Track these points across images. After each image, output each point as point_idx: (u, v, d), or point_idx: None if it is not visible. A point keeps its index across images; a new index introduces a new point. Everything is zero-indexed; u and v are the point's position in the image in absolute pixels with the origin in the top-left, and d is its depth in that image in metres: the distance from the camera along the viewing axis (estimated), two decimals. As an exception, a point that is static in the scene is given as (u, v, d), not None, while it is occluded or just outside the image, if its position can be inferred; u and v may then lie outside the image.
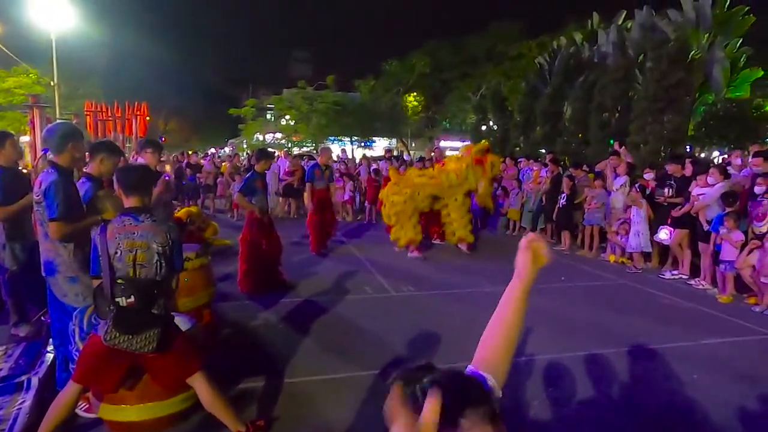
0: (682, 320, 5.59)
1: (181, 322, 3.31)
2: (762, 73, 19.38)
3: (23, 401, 3.15)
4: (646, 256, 7.96)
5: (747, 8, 19.43)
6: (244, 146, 30.85)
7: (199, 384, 2.88)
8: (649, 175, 8.20)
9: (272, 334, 4.97)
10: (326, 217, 8.78)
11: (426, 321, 5.28)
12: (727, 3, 19.63)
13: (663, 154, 13.66)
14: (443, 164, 8.98)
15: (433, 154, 13.54)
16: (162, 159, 7.49)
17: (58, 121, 3.88)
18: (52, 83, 22.93)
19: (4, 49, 21.89)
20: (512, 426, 1.09)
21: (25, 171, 6.08)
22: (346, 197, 12.45)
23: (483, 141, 9.00)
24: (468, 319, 5.25)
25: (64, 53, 23.56)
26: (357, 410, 3.51)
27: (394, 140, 35.25)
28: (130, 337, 2.62)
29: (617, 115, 16.19)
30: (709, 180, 6.91)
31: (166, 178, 5.46)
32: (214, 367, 3.61)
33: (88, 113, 9.77)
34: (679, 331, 5.22)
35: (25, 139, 10.29)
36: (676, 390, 3.87)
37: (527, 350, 4.48)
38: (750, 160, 7.04)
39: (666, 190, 7.42)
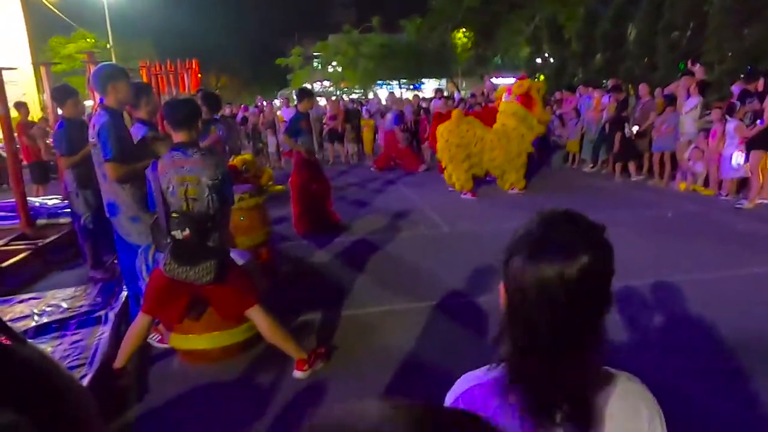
0: (761, 245, 5.17)
1: (238, 258, 3.38)
2: None
3: (102, 333, 3.37)
4: (722, 183, 7.35)
5: None
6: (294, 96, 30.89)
7: (257, 316, 2.95)
8: (737, 89, 7.36)
9: (329, 270, 5.06)
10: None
11: (480, 256, 5.14)
12: None
13: (743, 74, 12.41)
14: (495, 107, 8.55)
15: (485, 90, 12.99)
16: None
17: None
18: (108, 46, 23.66)
19: (62, 15, 22.66)
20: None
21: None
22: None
23: (518, 82, 8.42)
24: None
25: (116, 17, 24.15)
26: (414, 339, 3.53)
27: (443, 80, 34.09)
28: (188, 268, 2.69)
29: (689, 33, 14.74)
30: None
31: (219, 133, 5.49)
32: (274, 301, 3.72)
33: (142, 68, 10.00)
34: (756, 256, 4.83)
35: (89, 103, 10.70)
36: (751, 317, 3.60)
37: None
38: None
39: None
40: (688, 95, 7.73)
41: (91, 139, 3.30)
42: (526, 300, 0.86)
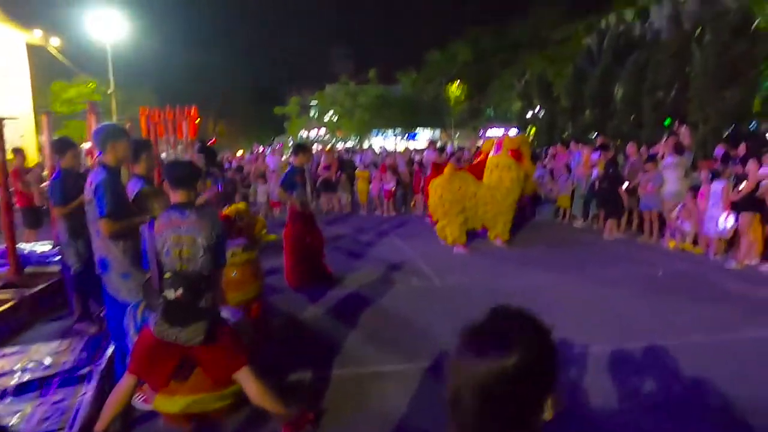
0: (753, 308, 5.20)
1: (229, 316, 3.35)
2: (836, 40, 17.75)
3: (85, 392, 3.28)
4: (710, 241, 7.46)
5: (818, -30, 17.84)
6: (290, 144, 31.42)
7: (245, 379, 2.89)
8: (719, 151, 7.61)
9: (321, 326, 5.00)
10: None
11: (472, 311, 5.09)
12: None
13: (726, 133, 12.80)
14: (484, 160, 8.69)
15: (480, 143, 13.35)
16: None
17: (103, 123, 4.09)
18: (108, 92, 24.13)
19: (64, 60, 23.20)
20: (569, 417, 0.99)
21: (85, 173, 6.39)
22: (389, 187, 12.33)
23: (507, 137, 8.74)
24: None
25: (119, 62, 24.75)
26: (407, 401, 3.47)
27: (437, 131, 34.91)
28: (179, 329, 2.66)
29: (672, 94, 15.31)
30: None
31: (219, 189, 5.56)
32: (264, 359, 3.67)
33: (142, 115, 10.21)
34: (750, 319, 4.85)
35: (86, 146, 10.83)
36: (748, 383, 3.58)
37: (582, 340, 4.28)
38: None
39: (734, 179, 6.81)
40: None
41: (87, 196, 3.33)
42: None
